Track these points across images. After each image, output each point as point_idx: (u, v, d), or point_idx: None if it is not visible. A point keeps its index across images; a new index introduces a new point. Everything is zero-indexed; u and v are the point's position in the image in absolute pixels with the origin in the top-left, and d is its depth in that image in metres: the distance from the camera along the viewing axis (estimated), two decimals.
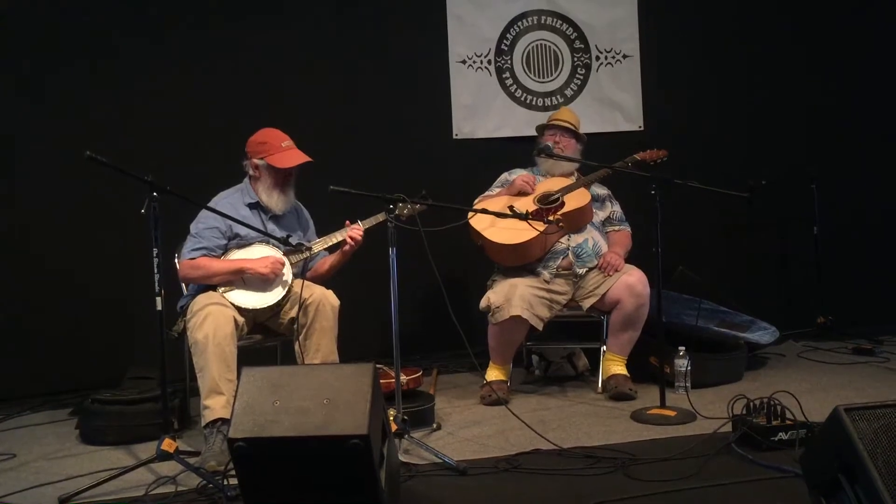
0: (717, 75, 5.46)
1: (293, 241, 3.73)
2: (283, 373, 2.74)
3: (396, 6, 5.10)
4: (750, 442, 3.19)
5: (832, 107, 5.52)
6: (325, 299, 3.66)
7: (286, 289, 3.71)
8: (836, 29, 5.54)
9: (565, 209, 4.21)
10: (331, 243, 3.83)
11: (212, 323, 3.43)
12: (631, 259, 4.33)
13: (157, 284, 3.15)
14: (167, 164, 4.36)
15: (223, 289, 3.64)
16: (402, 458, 3.18)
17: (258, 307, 3.68)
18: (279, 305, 3.73)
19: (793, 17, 5.52)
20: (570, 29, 5.33)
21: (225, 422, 3.28)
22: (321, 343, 3.65)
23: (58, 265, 4.56)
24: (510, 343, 4.24)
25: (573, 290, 4.26)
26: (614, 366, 4.21)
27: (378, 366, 2.91)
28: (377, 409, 2.62)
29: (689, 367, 4.08)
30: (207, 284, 3.67)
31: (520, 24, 5.28)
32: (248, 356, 3.47)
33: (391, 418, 3.07)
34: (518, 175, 4.42)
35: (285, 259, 3.72)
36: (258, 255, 3.70)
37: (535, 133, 4.60)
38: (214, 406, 3.37)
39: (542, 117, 4.77)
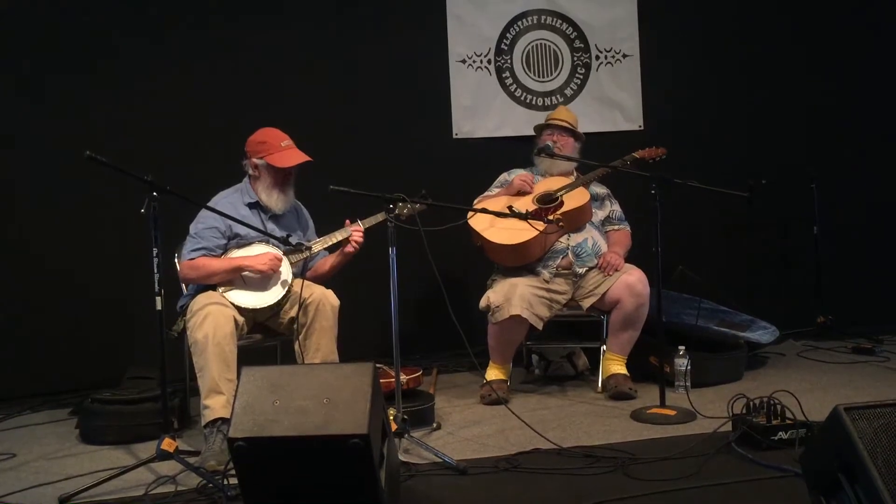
0: (717, 75, 5.47)
1: (293, 240, 3.73)
2: (282, 372, 2.74)
3: (396, 6, 5.10)
4: (750, 441, 3.19)
5: (832, 107, 5.52)
6: (325, 299, 3.67)
7: (286, 288, 3.71)
8: (836, 29, 5.54)
9: (564, 208, 4.21)
10: (331, 243, 3.83)
11: (211, 322, 3.43)
12: (631, 258, 4.33)
13: (156, 284, 3.15)
14: (167, 164, 4.36)
15: (223, 288, 3.64)
16: (402, 457, 3.18)
17: (258, 307, 3.68)
18: (279, 305, 3.73)
19: (793, 17, 5.52)
20: (570, 28, 5.33)
21: (225, 421, 3.28)
22: (321, 343, 3.65)
23: (58, 265, 4.56)
24: (510, 342, 4.25)
25: (573, 290, 4.26)
26: (614, 365, 4.21)
27: (378, 365, 2.90)
28: (377, 408, 2.62)
29: (688, 367, 4.08)
30: (207, 284, 3.67)
31: (520, 23, 5.28)
32: (248, 356, 3.47)
33: (391, 418, 3.07)
34: (517, 175, 4.42)
35: (283, 256, 3.72)
36: (257, 254, 3.70)
37: (535, 133, 4.60)
38: (214, 406, 3.37)
39: (541, 117, 4.77)
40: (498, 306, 4.07)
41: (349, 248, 3.78)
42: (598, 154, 4.46)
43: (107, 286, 4.58)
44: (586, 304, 4.22)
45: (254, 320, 3.76)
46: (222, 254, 3.71)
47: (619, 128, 5.34)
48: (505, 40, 5.26)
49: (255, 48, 4.86)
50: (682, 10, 5.39)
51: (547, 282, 4.20)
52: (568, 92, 5.33)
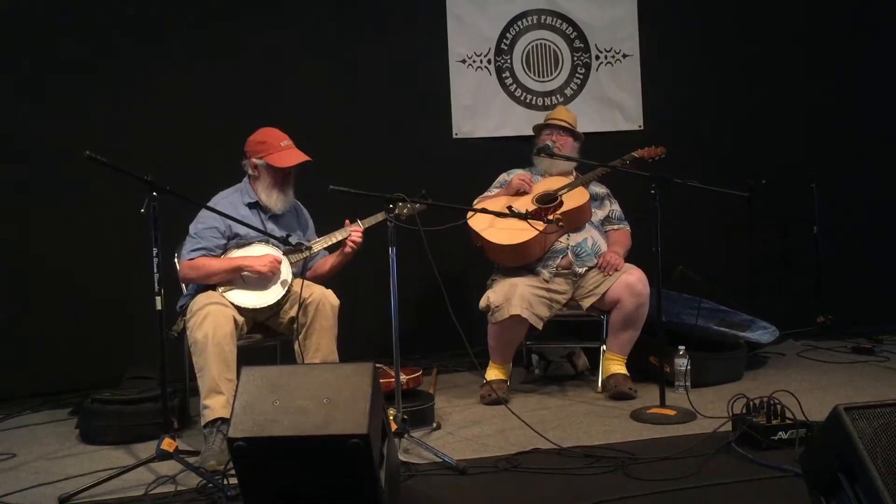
0: (717, 75, 5.46)
1: (293, 240, 3.72)
2: (282, 372, 2.74)
3: (396, 6, 5.10)
4: (750, 441, 3.19)
5: (832, 107, 5.52)
6: (325, 299, 3.67)
7: (286, 288, 3.71)
8: (836, 29, 5.54)
9: (564, 208, 4.21)
10: (330, 243, 3.83)
11: (211, 322, 3.43)
12: (631, 258, 4.33)
13: (156, 284, 3.15)
14: (167, 164, 4.36)
15: (223, 288, 3.64)
16: (402, 457, 3.18)
17: (258, 307, 3.68)
18: (279, 305, 3.73)
19: (793, 17, 5.52)
20: (570, 28, 5.33)
21: (225, 421, 3.28)
22: (321, 342, 3.65)
23: (58, 265, 4.56)
24: (510, 342, 4.25)
25: (573, 290, 4.26)
26: (614, 365, 4.21)
27: (378, 365, 2.91)
28: (377, 408, 2.62)
29: (688, 367, 4.07)
30: (207, 284, 3.67)
31: (519, 23, 5.28)
32: (248, 356, 3.47)
33: (391, 418, 3.07)
34: (516, 175, 4.42)
35: (283, 258, 3.72)
36: (258, 254, 3.70)
37: (534, 133, 4.60)
38: (214, 405, 3.37)
39: (541, 117, 4.77)
40: (498, 306, 4.07)
41: (347, 248, 3.78)
42: (597, 154, 4.46)
43: (107, 286, 4.58)
44: (586, 303, 4.22)
45: (254, 320, 3.76)
46: (222, 254, 3.71)
47: (618, 128, 5.34)
48: (505, 40, 5.26)
49: (255, 48, 4.86)
50: (682, 10, 5.39)
51: (547, 282, 4.20)
52: (568, 92, 5.33)
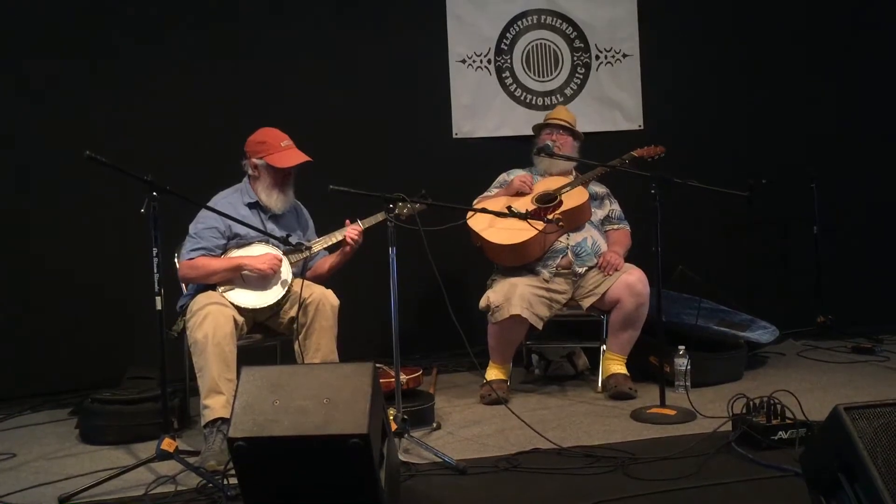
0: (717, 75, 5.46)
1: (293, 240, 3.73)
2: (282, 372, 2.74)
3: (396, 6, 5.10)
4: (750, 441, 3.19)
5: (832, 107, 5.53)
6: (325, 299, 3.66)
7: (286, 288, 3.71)
8: (836, 29, 5.54)
9: (564, 208, 4.21)
10: (330, 243, 3.83)
11: (211, 322, 3.43)
12: (631, 258, 4.33)
13: (156, 284, 3.15)
14: (167, 164, 4.37)
15: (223, 288, 3.64)
16: (402, 457, 3.18)
17: (258, 307, 3.68)
18: (279, 305, 3.73)
19: (793, 17, 5.52)
20: (570, 28, 5.33)
21: (225, 421, 3.28)
22: (321, 342, 3.65)
23: (58, 265, 4.56)
24: (510, 342, 4.25)
25: (573, 290, 4.26)
26: (614, 365, 4.21)
27: (378, 365, 2.91)
28: (377, 408, 2.62)
29: (688, 367, 4.07)
30: (207, 284, 3.67)
31: (519, 23, 5.28)
32: (248, 356, 3.47)
33: (391, 418, 3.07)
34: (516, 175, 4.42)
35: (283, 257, 3.72)
36: (257, 254, 3.70)
37: (533, 133, 4.60)
38: (214, 405, 3.37)
39: (541, 117, 4.77)
40: (498, 306, 4.07)
41: (346, 247, 3.78)
42: (597, 154, 4.46)
43: (107, 286, 4.58)
44: (586, 303, 4.22)
45: (253, 320, 3.76)
46: (222, 254, 3.71)
47: (618, 127, 5.34)
48: (505, 40, 5.26)
49: (255, 48, 4.86)
50: (682, 10, 5.39)
51: (547, 281, 4.20)
52: (568, 92, 5.33)
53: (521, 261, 4.22)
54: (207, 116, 4.73)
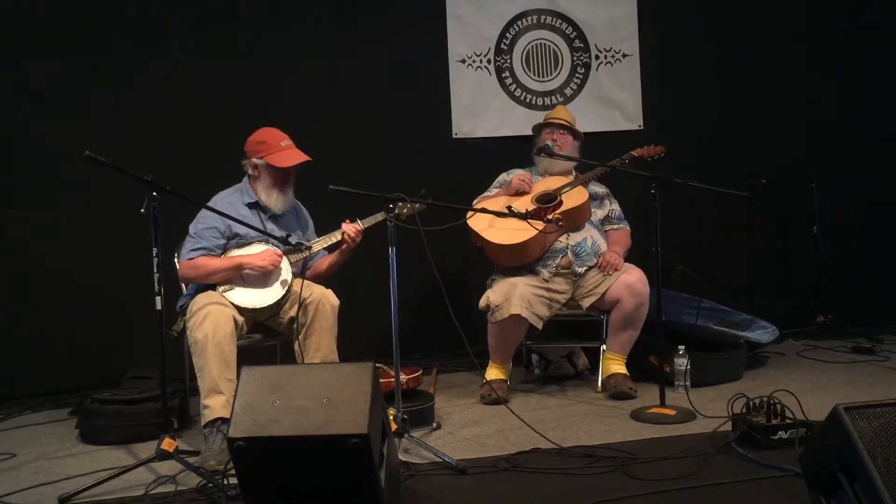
0: (717, 75, 5.46)
1: (292, 240, 3.73)
2: (282, 372, 2.74)
3: (396, 6, 5.10)
4: (749, 441, 3.19)
5: (832, 106, 5.52)
6: (325, 299, 3.67)
7: (286, 288, 3.71)
8: (836, 29, 5.54)
9: (563, 208, 4.21)
10: (330, 242, 3.83)
11: (211, 322, 3.43)
12: (630, 258, 4.33)
13: (156, 284, 3.15)
14: (167, 164, 4.37)
15: (222, 288, 3.64)
16: (402, 457, 3.18)
17: (258, 306, 3.68)
18: (279, 305, 3.73)
19: (793, 17, 5.52)
20: (570, 28, 5.33)
21: (225, 421, 3.28)
22: (321, 342, 3.65)
23: (58, 265, 4.56)
24: (510, 342, 4.25)
25: (572, 289, 4.26)
26: (614, 365, 4.22)
27: (378, 365, 2.91)
28: (377, 408, 2.62)
29: (688, 366, 4.07)
30: (207, 284, 3.67)
31: (519, 23, 5.28)
32: (248, 355, 3.47)
33: (391, 417, 3.07)
34: (515, 175, 4.42)
35: (283, 255, 3.72)
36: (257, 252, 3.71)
37: (533, 133, 4.60)
38: (214, 405, 3.37)
39: (541, 117, 4.77)
40: (497, 306, 4.07)
41: (344, 246, 3.78)
42: (597, 154, 4.46)
43: (107, 286, 4.58)
44: (586, 303, 4.22)
45: (253, 320, 3.76)
46: (222, 254, 3.71)
47: (618, 127, 5.34)
48: (505, 40, 5.26)
49: (255, 48, 4.86)
50: (682, 10, 5.39)
51: (546, 281, 4.20)
52: (568, 91, 5.33)
53: (521, 261, 4.22)
54: (207, 116, 4.73)
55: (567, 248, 4.26)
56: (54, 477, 3.26)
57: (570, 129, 4.46)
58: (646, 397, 4.04)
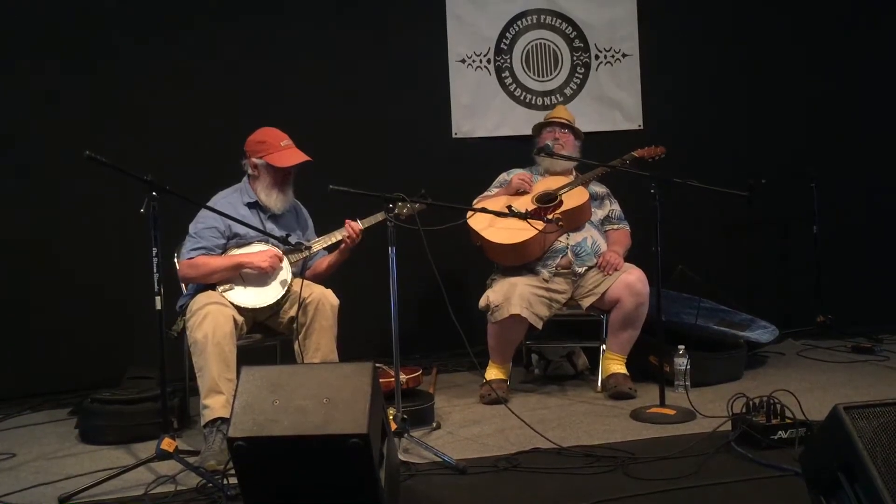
0: (717, 75, 5.46)
1: (292, 240, 3.73)
2: (282, 372, 2.74)
3: (396, 6, 5.10)
4: (749, 440, 3.19)
5: (832, 106, 5.52)
6: (325, 298, 3.67)
7: (285, 288, 3.71)
8: (836, 29, 5.54)
9: (564, 208, 4.21)
10: (330, 242, 3.83)
11: (211, 322, 3.43)
12: (630, 258, 4.33)
13: (156, 284, 3.15)
14: (167, 164, 4.37)
15: (222, 288, 3.64)
16: (402, 457, 3.18)
17: (257, 306, 3.68)
18: (279, 304, 3.73)
19: (793, 17, 5.52)
20: (570, 28, 5.33)
21: (224, 421, 3.28)
22: (321, 342, 3.65)
23: (58, 265, 4.56)
24: (510, 342, 4.25)
25: (572, 289, 4.26)
26: (614, 365, 4.22)
27: (377, 365, 2.91)
28: (377, 408, 2.62)
29: (688, 366, 4.07)
30: (207, 284, 3.67)
31: (519, 23, 5.28)
32: (248, 355, 3.47)
33: (391, 417, 3.07)
34: (515, 174, 4.42)
35: (283, 255, 3.72)
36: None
37: (533, 133, 4.60)
38: (214, 405, 3.37)
39: (541, 116, 4.78)
40: (497, 305, 4.07)
41: (343, 245, 3.78)
42: (597, 154, 4.46)
43: (107, 286, 4.58)
44: (586, 303, 4.22)
45: (253, 320, 3.76)
46: (221, 254, 3.71)
47: (618, 127, 5.34)
48: (504, 40, 5.26)
49: (254, 48, 4.86)
50: (682, 10, 5.39)
51: (546, 281, 4.20)
52: (567, 91, 5.33)
53: (521, 260, 4.22)
54: (207, 116, 4.73)
55: (567, 247, 4.26)
56: (54, 477, 3.26)
57: (571, 128, 4.47)
58: (646, 397, 4.04)
